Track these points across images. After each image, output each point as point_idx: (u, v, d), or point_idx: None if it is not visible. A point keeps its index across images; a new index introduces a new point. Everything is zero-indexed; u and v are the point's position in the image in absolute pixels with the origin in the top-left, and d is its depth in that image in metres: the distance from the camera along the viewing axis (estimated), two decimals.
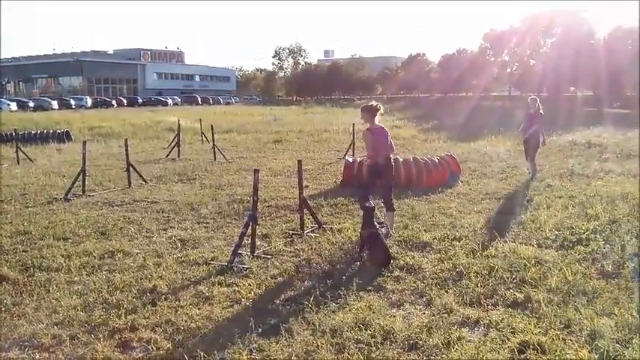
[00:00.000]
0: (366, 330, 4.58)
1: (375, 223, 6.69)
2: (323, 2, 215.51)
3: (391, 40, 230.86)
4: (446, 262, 6.31)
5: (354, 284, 5.63)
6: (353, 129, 17.59)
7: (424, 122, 33.88)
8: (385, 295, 5.42)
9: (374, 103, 7.85)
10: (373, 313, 4.93)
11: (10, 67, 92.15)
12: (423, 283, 5.72)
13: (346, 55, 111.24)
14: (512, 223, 8.07)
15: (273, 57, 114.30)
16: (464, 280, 5.74)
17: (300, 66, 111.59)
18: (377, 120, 7.68)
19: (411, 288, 5.60)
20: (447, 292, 5.46)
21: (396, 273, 6.01)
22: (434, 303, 5.19)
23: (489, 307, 5.11)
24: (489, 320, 4.79)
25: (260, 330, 4.68)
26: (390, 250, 6.54)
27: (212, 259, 6.61)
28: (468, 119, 33.17)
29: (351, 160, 12.38)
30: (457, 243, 7.08)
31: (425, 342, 4.38)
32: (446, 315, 4.92)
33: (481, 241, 7.15)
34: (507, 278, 5.76)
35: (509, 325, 4.65)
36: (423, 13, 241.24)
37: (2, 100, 60.05)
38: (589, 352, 4.17)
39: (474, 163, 14.70)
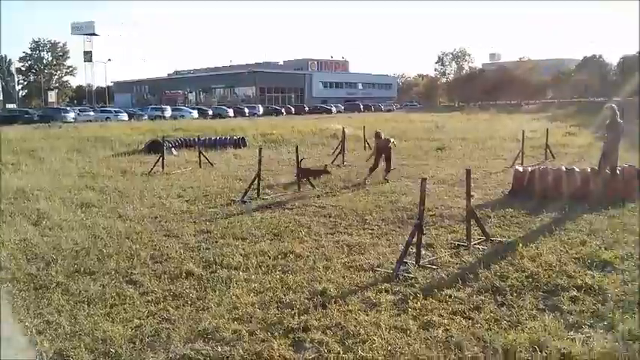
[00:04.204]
0: (541, 352, 4.37)
1: None
2: (490, 3, 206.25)
3: (564, 42, 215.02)
4: (630, 284, 5.80)
5: (527, 302, 5.39)
6: (522, 136, 16.76)
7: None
8: (561, 316, 5.12)
9: (378, 130, 14.57)
10: (549, 334, 4.69)
11: (192, 78, 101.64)
12: (604, 305, 5.32)
13: (514, 58, 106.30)
14: None
15: (436, 63, 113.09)
16: None
17: (464, 71, 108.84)
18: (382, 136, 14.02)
19: (590, 310, 5.23)
20: (632, 317, 5.02)
21: (573, 293, 5.64)
22: (617, 328, 4.80)
23: None
24: None
25: (428, 343, 4.66)
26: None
27: (378, 266, 6.72)
28: None
29: (521, 169, 11.81)
30: None
31: None
32: (631, 342, 4.52)
33: None
34: None
35: None
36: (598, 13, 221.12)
37: (186, 108, 66.47)
38: None
39: None
